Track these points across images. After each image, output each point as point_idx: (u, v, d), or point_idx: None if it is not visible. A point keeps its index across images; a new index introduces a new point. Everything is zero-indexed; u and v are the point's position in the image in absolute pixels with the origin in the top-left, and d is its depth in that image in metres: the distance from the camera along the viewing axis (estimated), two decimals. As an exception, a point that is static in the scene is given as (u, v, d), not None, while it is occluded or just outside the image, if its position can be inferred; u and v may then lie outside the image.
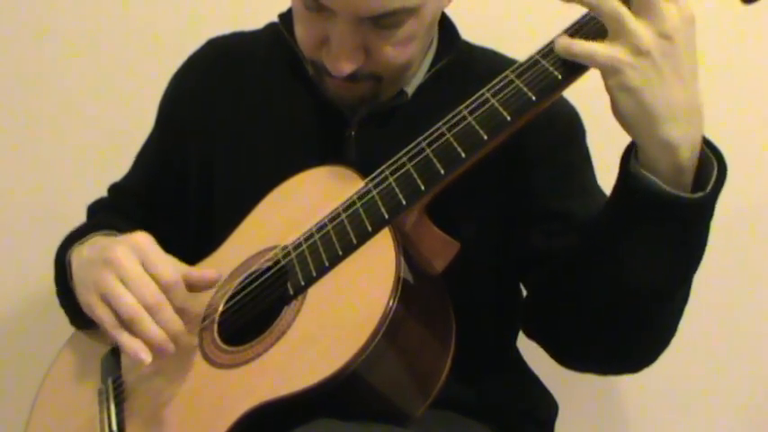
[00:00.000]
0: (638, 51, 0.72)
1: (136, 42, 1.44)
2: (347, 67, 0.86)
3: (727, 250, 1.33)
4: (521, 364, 1.09)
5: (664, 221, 0.77)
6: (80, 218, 1.14)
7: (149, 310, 0.82)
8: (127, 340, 0.82)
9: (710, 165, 0.77)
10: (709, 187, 0.76)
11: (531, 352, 1.00)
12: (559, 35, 0.78)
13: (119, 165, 1.15)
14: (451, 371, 0.80)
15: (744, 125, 1.32)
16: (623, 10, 0.72)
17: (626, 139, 0.79)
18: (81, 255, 0.94)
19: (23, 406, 1.00)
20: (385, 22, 0.85)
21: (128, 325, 0.82)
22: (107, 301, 0.83)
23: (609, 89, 0.75)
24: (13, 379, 1.50)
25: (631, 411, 1.45)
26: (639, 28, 0.72)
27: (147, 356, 0.81)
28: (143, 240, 0.86)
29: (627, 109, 0.74)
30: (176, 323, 0.83)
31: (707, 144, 0.78)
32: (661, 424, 1.44)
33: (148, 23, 1.44)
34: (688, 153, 0.75)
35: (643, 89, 0.72)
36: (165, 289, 0.83)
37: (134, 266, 0.83)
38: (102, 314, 0.84)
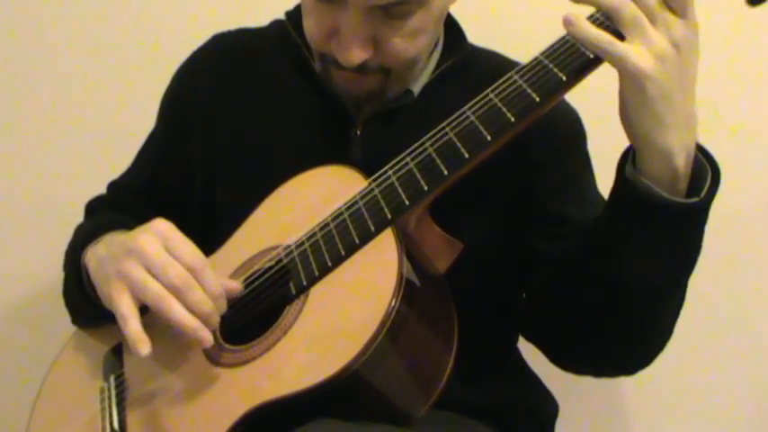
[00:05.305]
0: (659, 58, 0.71)
1: (136, 40, 1.44)
2: (357, 56, 0.86)
3: (728, 251, 1.34)
4: (521, 364, 1.09)
5: (660, 227, 0.77)
6: (80, 216, 1.13)
7: (177, 292, 0.79)
8: (132, 329, 0.79)
9: (704, 170, 0.78)
10: (704, 193, 0.76)
11: (532, 352, 1.00)
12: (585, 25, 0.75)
13: (119, 163, 1.15)
14: (453, 371, 0.80)
15: (744, 125, 1.33)
16: (642, 17, 0.72)
17: (627, 142, 0.79)
18: (98, 253, 0.91)
19: (25, 404, 1.00)
20: (395, 11, 0.85)
21: (157, 313, 0.79)
22: (134, 291, 0.81)
23: (629, 97, 0.74)
24: (14, 377, 1.50)
25: (631, 411, 1.45)
26: (657, 35, 0.72)
27: (144, 348, 0.78)
28: (164, 226, 0.84)
29: (639, 118, 0.74)
30: (206, 305, 0.79)
31: (700, 150, 0.78)
32: (661, 424, 1.44)
33: (149, 21, 1.43)
34: (684, 159, 0.76)
35: (658, 99, 0.73)
36: (191, 272, 0.80)
37: (158, 250, 0.81)
38: (117, 304, 0.81)
